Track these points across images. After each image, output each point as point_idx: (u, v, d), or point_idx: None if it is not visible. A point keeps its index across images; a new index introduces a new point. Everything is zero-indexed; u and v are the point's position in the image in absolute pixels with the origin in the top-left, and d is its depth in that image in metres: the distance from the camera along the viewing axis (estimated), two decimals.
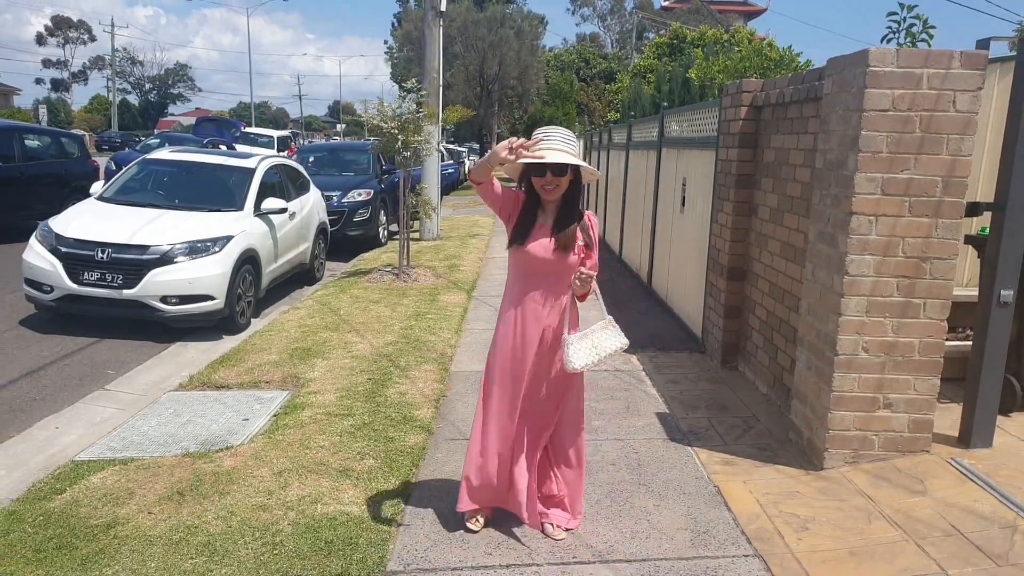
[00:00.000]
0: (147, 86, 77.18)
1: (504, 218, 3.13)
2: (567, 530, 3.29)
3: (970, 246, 4.51)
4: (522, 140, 2.86)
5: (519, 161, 2.92)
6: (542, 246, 3.03)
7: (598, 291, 3.14)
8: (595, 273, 3.05)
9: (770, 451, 4.17)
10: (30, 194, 11.33)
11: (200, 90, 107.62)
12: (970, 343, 4.15)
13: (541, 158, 2.89)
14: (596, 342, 3.08)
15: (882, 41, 5.25)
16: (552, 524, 3.29)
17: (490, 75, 33.97)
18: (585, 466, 3.39)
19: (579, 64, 38.94)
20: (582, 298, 3.14)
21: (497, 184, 3.05)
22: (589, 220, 3.13)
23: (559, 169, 2.96)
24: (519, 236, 3.06)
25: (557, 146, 2.95)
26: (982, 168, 4.84)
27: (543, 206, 3.08)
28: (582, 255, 3.07)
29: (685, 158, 7.12)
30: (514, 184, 3.24)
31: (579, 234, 3.07)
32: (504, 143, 2.86)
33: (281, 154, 16.05)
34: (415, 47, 29.21)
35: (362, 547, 3.14)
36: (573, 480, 3.34)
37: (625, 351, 3.26)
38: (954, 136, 3.58)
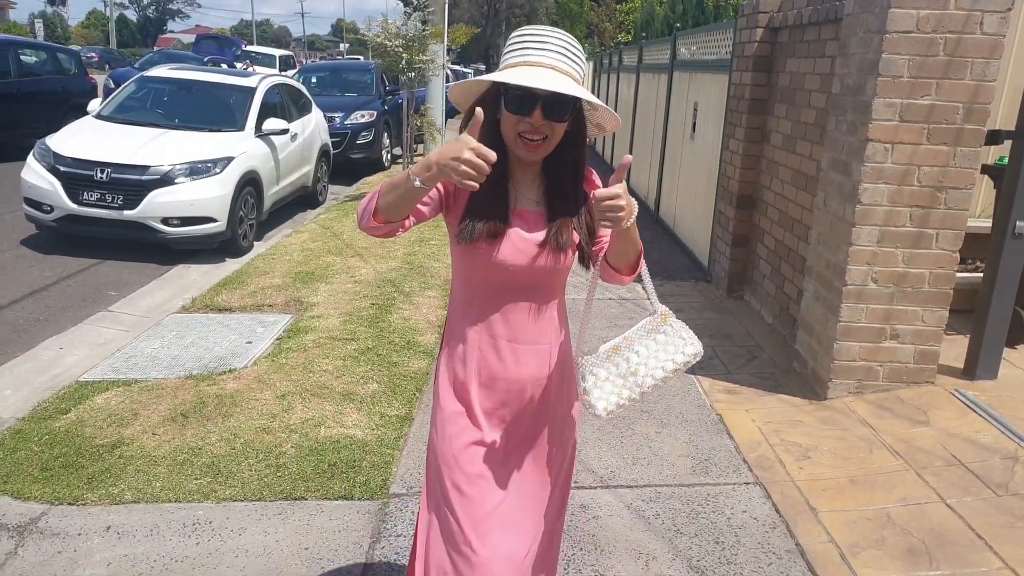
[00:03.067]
0: (145, 0, 74.86)
1: (444, 210, 1.69)
2: None
3: (986, 176, 4.39)
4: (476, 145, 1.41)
5: (486, 78, 1.60)
6: (517, 245, 1.64)
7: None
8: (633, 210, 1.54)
9: (774, 380, 4.17)
10: (27, 111, 11.10)
11: (200, 6, 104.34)
12: (980, 274, 4.08)
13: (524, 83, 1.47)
14: (636, 362, 1.72)
15: None
16: None
17: None
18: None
19: None
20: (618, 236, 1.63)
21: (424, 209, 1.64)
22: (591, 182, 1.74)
23: (556, 105, 1.52)
24: (473, 227, 1.62)
25: (553, 61, 1.52)
26: (1004, 95, 4.66)
27: (514, 171, 1.66)
28: (575, 243, 1.68)
29: (697, 82, 6.89)
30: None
31: (586, 220, 1.69)
32: (456, 149, 1.40)
33: (284, 74, 15.64)
34: None
35: (365, 470, 3.17)
36: None
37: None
38: (979, 60, 3.41)
